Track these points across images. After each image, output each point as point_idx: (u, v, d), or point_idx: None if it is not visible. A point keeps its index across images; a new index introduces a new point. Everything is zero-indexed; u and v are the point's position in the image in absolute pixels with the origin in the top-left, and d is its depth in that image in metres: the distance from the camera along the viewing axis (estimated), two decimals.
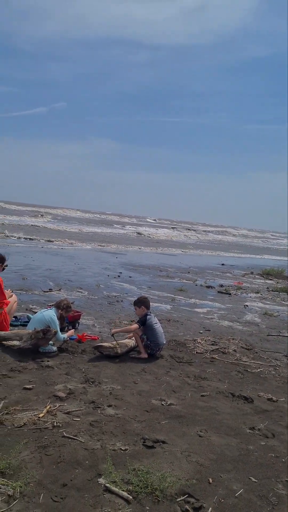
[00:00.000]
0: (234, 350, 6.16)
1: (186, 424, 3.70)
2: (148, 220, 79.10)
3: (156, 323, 5.72)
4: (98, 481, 2.67)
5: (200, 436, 3.49)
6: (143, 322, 5.62)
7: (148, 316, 5.67)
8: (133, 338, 5.67)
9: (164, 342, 5.69)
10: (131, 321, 5.95)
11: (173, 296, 10.47)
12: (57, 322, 5.46)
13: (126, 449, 3.10)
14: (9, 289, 6.13)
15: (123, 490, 2.59)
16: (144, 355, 5.50)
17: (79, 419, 3.50)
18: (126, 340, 5.70)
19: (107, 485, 2.63)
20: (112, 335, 5.66)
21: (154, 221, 77.35)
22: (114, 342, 5.40)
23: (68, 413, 3.58)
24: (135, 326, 5.64)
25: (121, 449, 3.10)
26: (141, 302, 5.80)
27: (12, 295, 5.96)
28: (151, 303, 6.13)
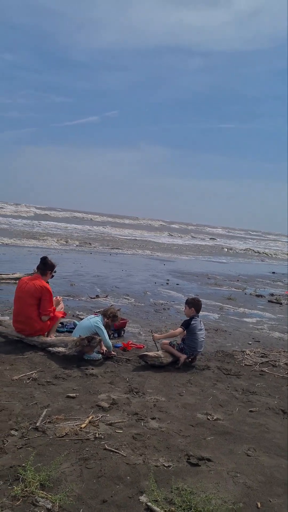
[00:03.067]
0: (286, 364, 5.86)
1: (233, 441, 3.51)
2: (203, 228, 78.53)
3: (200, 329, 5.53)
4: (139, 499, 2.56)
5: (248, 455, 3.30)
6: (187, 325, 5.48)
7: (193, 320, 5.51)
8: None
9: (199, 350, 5.48)
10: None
11: (221, 304, 10.21)
12: (104, 330, 5.42)
13: (169, 466, 2.97)
14: (58, 296, 6.17)
15: (165, 511, 2.46)
16: (182, 356, 5.33)
17: (121, 431, 3.41)
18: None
19: (149, 503, 2.51)
20: (154, 340, 5.56)
21: (207, 229, 76.71)
22: (159, 352, 5.30)
23: (110, 424, 3.51)
24: (179, 330, 5.50)
25: (164, 465, 2.98)
26: (193, 303, 5.63)
27: (60, 302, 6.00)
28: None
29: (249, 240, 56.35)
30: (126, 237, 34.56)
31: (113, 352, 5.37)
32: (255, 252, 36.16)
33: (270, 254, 35.45)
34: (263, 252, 36.50)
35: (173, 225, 70.56)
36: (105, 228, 43.22)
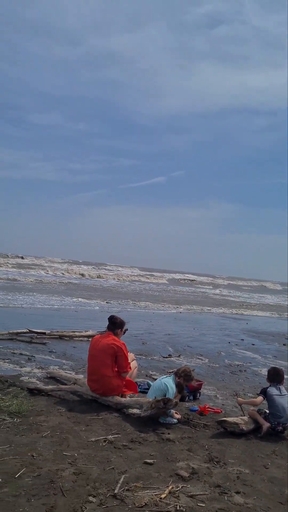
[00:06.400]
0: None
1: None
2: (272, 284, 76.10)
3: (279, 394, 5.14)
4: None
5: None
6: (264, 392, 5.18)
7: (269, 388, 5.19)
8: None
9: (283, 419, 5.02)
10: (257, 394, 5.46)
11: None
12: (174, 390, 5.25)
13: None
14: (131, 353, 6.12)
15: None
16: (265, 424, 4.94)
17: (204, 505, 3.15)
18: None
19: None
20: (240, 405, 5.29)
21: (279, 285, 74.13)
22: (244, 417, 4.99)
23: (191, 496, 3.26)
24: (260, 399, 5.17)
25: None
26: (270, 374, 5.37)
27: (134, 360, 5.94)
28: None
29: None
30: (189, 293, 34.26)
31: (177, 416, 5.09)
32: None
33: None
34: None
35: (239, 282, 69.13)
36: (169, 285, 43.34)
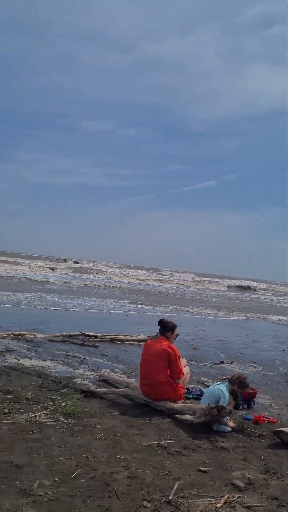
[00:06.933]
0: None
1: None
2: None
3: None
4: None
5: None
6: None
7: None
8: None
9: None
10: None
11: None
12: (227, 397, 5.14)
13: None
14: (184, 359, 6.07)
15: None
16: None
17: None
18: None
19: None
20: None
21: None
22: None
23: (248, 507, 3.16)
24: None
25: None
26: None
27: (186, 365, 5.89)
28: None
29: None
30: (249, 300, 33.56)
31: (231, 424, 4.95)
32: None
33: None
34: None
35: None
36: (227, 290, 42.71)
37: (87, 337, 9.90)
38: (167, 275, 55.31)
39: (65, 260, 52.61)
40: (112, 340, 10.12)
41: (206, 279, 56.96)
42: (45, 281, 28.40)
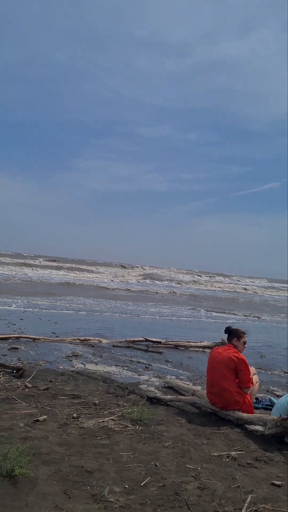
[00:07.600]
0: None
1: None
2: None
3: None
4: None
5: None
6: None
7: None
8: None
9: None
10: None
11: None
12: None
13: None
14: (252, 367, 5.88)
15: None
16: None
17: None
18: None
19: None
20: None
21: None
22: None
23: None
24: None
25: None
26: None
27: (255, 374, 5.69)
28: None
29: None
30: None
31: None
32: None
33: None
34: None
35: None
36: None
37: (151, 343, 9.92)
38: (239, 281, 54.24)
39: (136, 267, 53.56)
40: (176, 346, 10.06)
41: (281, 285, 55.05)
42: (115, 288, 29.20)
